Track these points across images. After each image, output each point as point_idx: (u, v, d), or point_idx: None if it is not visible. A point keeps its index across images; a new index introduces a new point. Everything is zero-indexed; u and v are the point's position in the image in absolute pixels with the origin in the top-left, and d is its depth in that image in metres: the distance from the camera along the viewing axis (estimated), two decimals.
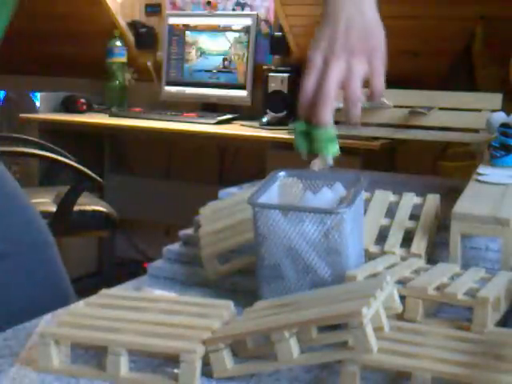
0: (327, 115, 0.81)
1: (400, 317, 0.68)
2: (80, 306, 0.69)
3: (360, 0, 0.86)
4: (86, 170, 2.58)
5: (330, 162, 0.83)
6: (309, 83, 0.83)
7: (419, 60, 2.81)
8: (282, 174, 0.81)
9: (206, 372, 0.60)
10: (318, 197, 0.78)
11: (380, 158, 2.60)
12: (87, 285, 2.87)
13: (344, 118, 0.84)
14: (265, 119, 2.83)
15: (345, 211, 0.70)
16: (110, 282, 0.88)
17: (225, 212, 0.92)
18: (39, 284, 0.98)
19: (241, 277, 0.83)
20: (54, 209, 2.55)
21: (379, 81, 0.85)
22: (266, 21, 3.25)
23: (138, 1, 3.52)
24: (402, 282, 0.71)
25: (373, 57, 0.84)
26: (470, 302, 0.67)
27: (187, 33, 3.30)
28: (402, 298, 0.68)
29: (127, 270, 3.31)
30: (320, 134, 0.82)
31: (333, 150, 0.83)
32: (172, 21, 3.34)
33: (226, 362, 0.60)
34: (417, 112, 1.85)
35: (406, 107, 2.04)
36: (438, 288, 0.69)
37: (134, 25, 3.45)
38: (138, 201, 3.40)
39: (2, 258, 0.94)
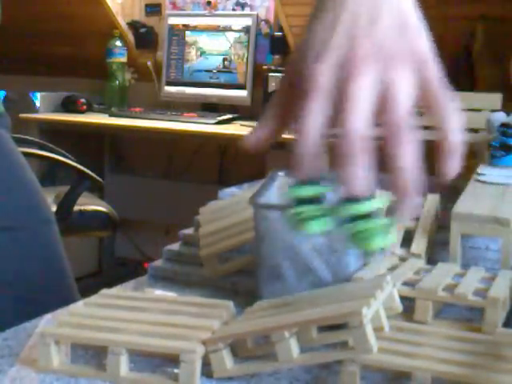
0: (362, 177, 0.46)
1: (410, 318, 0.68)
2: (80, 305, 0.69)
3: None
4: (86, 169, 2.58)
5: (381, 256, 0.54)
6: (314, 118, 0.47)
7: None
8: (281, 174, 0.81)
9: (206, 372, 0.60)
10: None
11: (380, 158, 2.60)
12: (87, 285, 2.87)
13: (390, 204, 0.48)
14: None
15: None
16: (110, 282, 0.88)
17: (225, 212, 0.91)
18: (33, 258, 0.91)
19: (241, 277, 0.83)
20: (54, 209, 2.55)
21: (446, 105, 0.49)
22: (266, 21, 3.25)
23: (138, 1, 3.52)
24: (408, 284, 0.71)
25: (424, 65, 0.50)
26: (480, 303, 0.67)
27: (187, 33, 3.30)
28: (411, 299, 0.68)
29: (127, 269, 3.32)
30: (358, 207, 0.47)
31: (381, 240, 0.48)
32: (172, 21, 3.34)
33: (226, 361, 0.60)
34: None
35: None
36: (446, 289, 0.69)
37: (133, 25, 3.45)
38: (138, 201, 3.40)
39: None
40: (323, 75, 0.47)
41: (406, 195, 0.45)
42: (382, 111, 0.47)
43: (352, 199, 0.46)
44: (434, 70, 0.50)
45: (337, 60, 0.47)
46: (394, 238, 0.49)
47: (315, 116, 0.47)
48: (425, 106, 0.49)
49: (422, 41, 0.51)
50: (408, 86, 0.47)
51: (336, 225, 0.49)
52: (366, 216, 0.47)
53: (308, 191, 0.49)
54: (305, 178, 0.48)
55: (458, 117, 0.48)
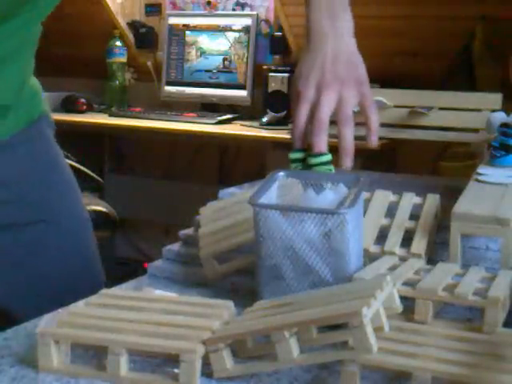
0: (323, 142, 0.85)
1: (410, 318, 0.68)
2: (80, 305, 0.70)
3: (341, 35, 0.90)
4: (86, 169, 2.58)
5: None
6: (302, 113, 0.86)
7: (419, 60, 2.81)
8: (281, 174, 0.81)
9: (206, 372, 0.60)
10: (320, 196, 0.78)
11: (380, 158, 2.60)
12: None
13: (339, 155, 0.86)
14: (265, 119, 2.83)
15: (347, 212, 0.70)
16: (110, 282, 0.88)
17: (225, 212, 0.92)
18: (68, 255, 1.03)
19: (241, 277, 0.83)
20: None
21: (373, 109, 0.88)
22: (266, 21, 3.25)
23: (138, 1, 3.52)
24: (408, 284, 0.71)
25: (362, 86, 0.88)
26: (480, 303, 0.67)
27: (187, 33, 3.30)
28: (411, 299, 0.68)
29: (127, 269, 3.31)
30: (316, 160, 0.85)
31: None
32: (172, 21, 3.34)
33: (226, 361, 0.60)
34: (417, 112, 1.86)
35: (406, 107, 2.04)
36: (446, 289, 0.69)
37: (133, 25, 3.45)
38: (138, 201, 3.40)
39: (36, 224, 0.98)
40: (307, 91, 0.87)
41: (347, 154, 0.86)
42: (338, 111, 0.87)
43: (315, 154, 0.85)
44: (368, 87, 0.89)
45: (315, 83, 0.87)
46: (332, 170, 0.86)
47: (302, 111, 0.87)
48: (361, 107, 0.89)
49: (361, 70, 0.90)
50: (352, 97, 0.88)
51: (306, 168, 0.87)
52: (321, 164, 0.85)
53: (297, 155, 0.88)
54: (298, 146, 0.88)
55: (376, 113, 0.89)
